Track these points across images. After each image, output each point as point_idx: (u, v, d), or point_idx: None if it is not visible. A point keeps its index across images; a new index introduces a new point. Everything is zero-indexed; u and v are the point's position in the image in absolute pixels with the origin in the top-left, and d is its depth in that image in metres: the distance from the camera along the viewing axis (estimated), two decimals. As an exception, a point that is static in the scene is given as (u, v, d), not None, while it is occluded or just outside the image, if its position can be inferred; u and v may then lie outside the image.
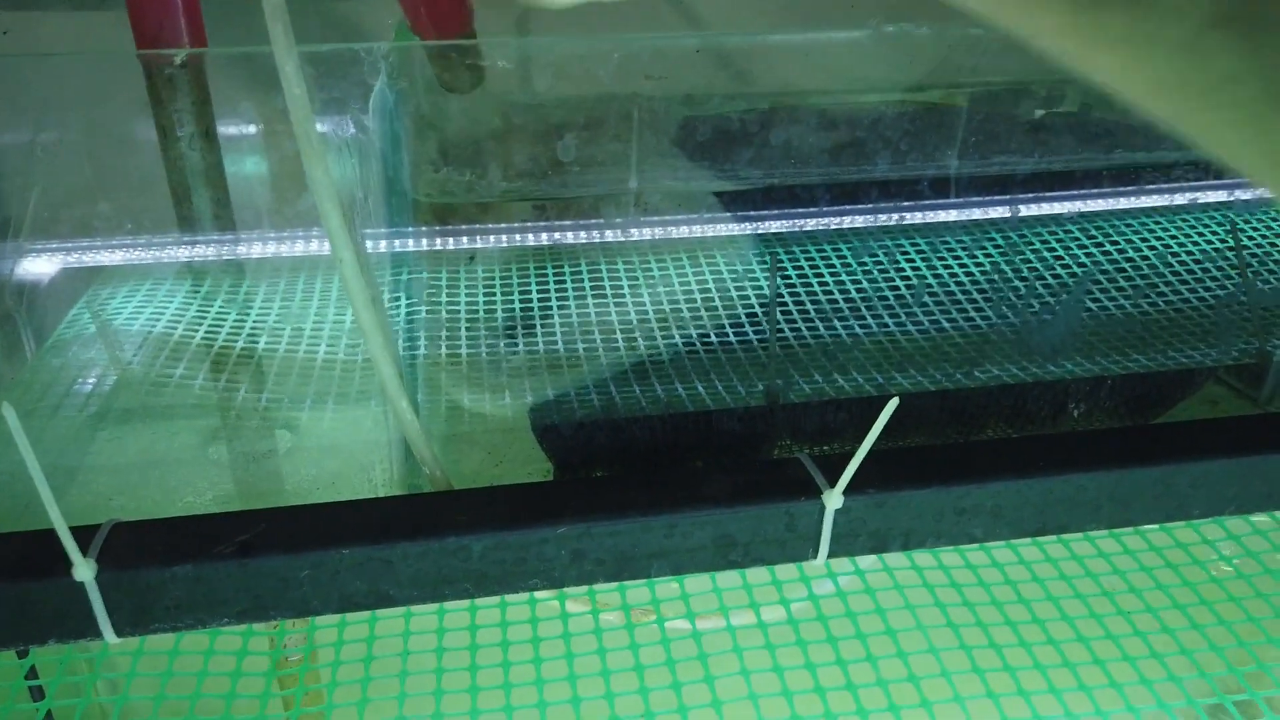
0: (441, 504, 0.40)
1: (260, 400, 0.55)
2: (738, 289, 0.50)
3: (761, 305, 0.49)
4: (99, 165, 0.55)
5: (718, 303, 0.49)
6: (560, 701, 0.38)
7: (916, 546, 0.42)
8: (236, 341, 0.56)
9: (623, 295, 0.50)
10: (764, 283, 0.52)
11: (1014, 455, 0.43)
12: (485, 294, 0.52)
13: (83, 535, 0.38)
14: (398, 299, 0.55)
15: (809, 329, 0.51)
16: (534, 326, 0.45)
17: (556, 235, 0.57)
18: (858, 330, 0.51)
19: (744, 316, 0.48)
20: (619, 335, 0.45)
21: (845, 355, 0.48)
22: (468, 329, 0.48)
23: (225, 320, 0.58)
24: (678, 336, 0.45)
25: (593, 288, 0.52)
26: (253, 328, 0.57)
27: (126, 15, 0.48)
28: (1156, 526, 0.44)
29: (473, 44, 0.50)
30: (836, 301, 0.54)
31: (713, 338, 0.47)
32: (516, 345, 0.44)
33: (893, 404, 0.35)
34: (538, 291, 0.51)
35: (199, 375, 0.55)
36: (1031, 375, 0.50)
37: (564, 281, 0.53)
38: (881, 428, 0.36)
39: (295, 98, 0.31)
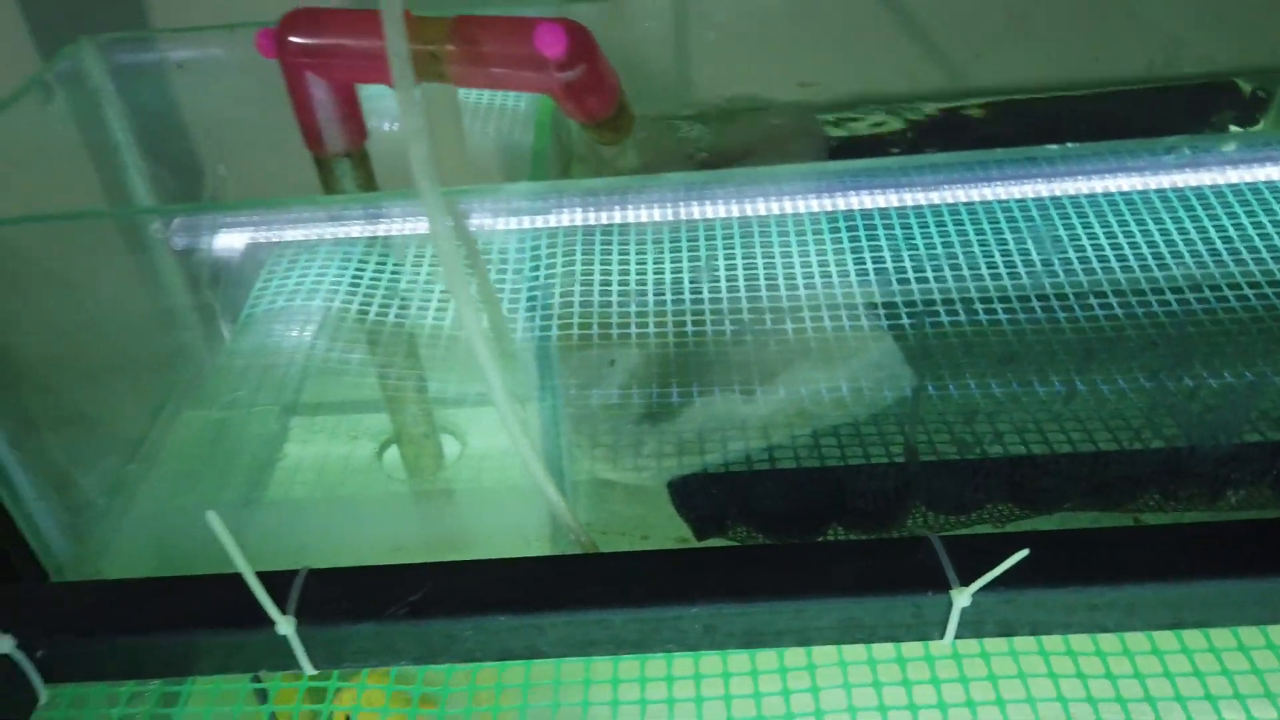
0: (585, 572, 0.44)
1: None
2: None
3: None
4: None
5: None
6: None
7: (1044, 634, 0.43)
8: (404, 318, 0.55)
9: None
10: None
11: (1153, 555, 0.42)
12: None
13: (280, 582, 0.44)
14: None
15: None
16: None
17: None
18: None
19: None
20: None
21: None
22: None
23: (390, 295, 0.56)
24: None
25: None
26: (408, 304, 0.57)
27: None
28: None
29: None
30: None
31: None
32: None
33: (1021, 554, 0.36)
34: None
35: (374, 362, 0.59)
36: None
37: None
38: (1003, 569, 0.37)
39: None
